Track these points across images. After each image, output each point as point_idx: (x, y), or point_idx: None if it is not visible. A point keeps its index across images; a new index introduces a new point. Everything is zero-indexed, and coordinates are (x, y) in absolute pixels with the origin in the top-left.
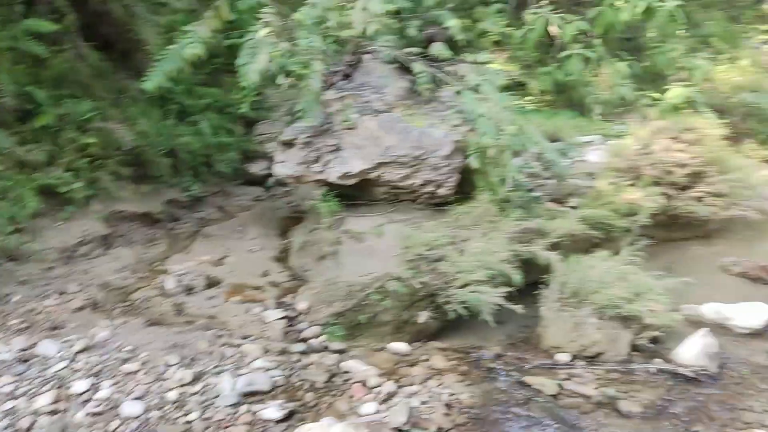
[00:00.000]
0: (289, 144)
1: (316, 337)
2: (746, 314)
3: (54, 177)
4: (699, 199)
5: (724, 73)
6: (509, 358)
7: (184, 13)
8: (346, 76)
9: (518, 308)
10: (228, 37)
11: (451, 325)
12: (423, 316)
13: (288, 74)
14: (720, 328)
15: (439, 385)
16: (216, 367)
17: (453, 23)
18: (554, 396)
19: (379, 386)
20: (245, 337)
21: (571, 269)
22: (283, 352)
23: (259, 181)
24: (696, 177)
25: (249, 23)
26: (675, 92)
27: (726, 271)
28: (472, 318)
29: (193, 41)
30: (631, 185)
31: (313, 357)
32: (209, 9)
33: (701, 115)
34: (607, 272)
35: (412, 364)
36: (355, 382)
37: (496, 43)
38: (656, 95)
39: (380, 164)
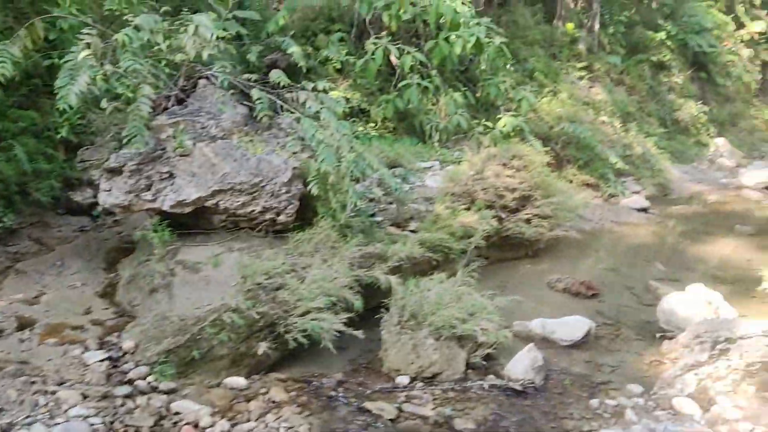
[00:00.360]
0: (116, 171)
1: (144, 377)
2: (568, 327)
3: None
4: (527, 221)
5: (547, 105)
6: (350, 384)
7: None
8: (180, 101)
9: (359, 333)
10: (48, 57)
11: (291, 354)
12: (262, 348)
13: (115, 98)
14: (546, 342)
15: (277, 419)
16: (27, 417)
17: (295, 50)
18: (393, 420)
19: (211, 426)
20: (61, 383)
21: (410, 292)
22: (104, 396)
23: (85, 210)
24: (524, 200)
25: (72, 43)
26: (505, 121)
27: (552, 287)
28: (314, 346)
29: (3, 60)
30: (467, 209)
31: (140, 400)
32: (25, 27)
33: (528, 142)
34: (443, 294)
35: (250, 399)
36: (185, 424)
37: (339, 70)
38: (489, 124)
39: (217, 192)
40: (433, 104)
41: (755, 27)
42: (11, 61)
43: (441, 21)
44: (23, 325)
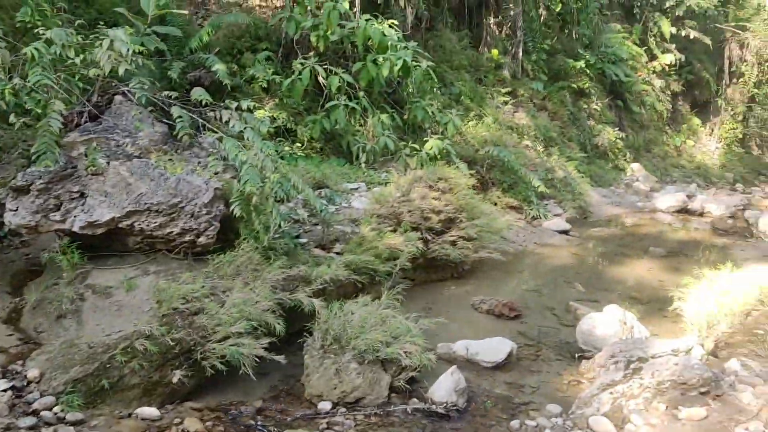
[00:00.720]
0: (23, 190)
1: (50, 408)
2: (491, 349)
3: None
4: (453, 243)
5: (472, 129)
6: (271, 411)
7: None
8: (94, 118)
9: (281, 359)
10: None
11: (209, 382)
12: (176, 376)
13: (24, 113)
14: (469, 364)
15: None
16: None
17: (219, 67)
18: None
19: None
20: None
21: (334, 315)
22: (7, 428)
23: None
24: (450, 222)
25: None
26: (432, 144)
27: (476, 309)
28: (233, 373)
29: None
30: (393, 231)
31: None
32: None
33: (454, 165)
34: (367, 317)
35: (163, 430)
36: None
37: (265, 89)
38: (416, 146)
39: (132, 212)
40: (361, 125)
41: (666, 59)
42: None
43: (369, 43)
44: None
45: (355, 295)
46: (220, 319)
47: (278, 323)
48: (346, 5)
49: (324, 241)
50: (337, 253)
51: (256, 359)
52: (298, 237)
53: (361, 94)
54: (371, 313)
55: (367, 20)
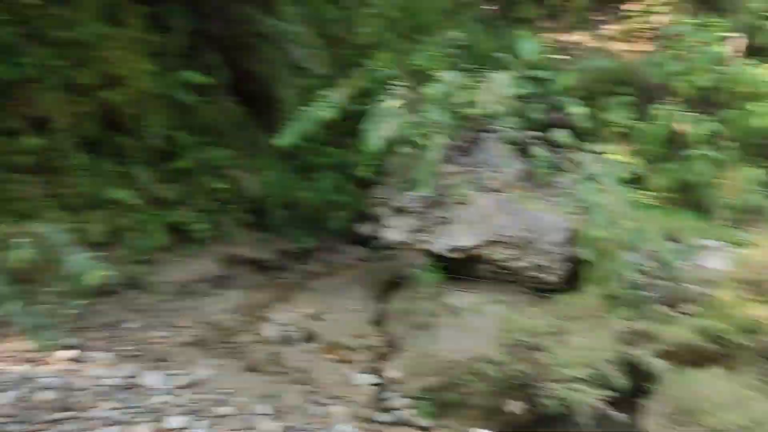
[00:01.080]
0: (400, 210)
1: (403, 409)
2: None
3: (183, 215)
4: None
5: None
6: None
7: (323, 78)
8: (465, 152)
9: (622, 416)
10: (359, 102)
11: (541, 420)
12: (516, 406)
13: (410, 144)
14: None
15: None
16: (306, 423)
17: (578, 110)
18: None
19: None
20: (333, 398)
21: (680, 382)
22: (368, 419)
23: (365, 242)
24: None
25: (378, 91)
26: None
27: None
28: (565, 416)
29: (328, 105)
30: (756, 300)
31: (397, 430)
32: (346, 77)
33: None
34: (721, 392)
35: None
36: None
37: (621, 134)
38: None
39: (489, 242)
40: (723, 178)
41: None
42: (335, 106)
43: (742, 89)
44: (308, 337)
45: (702, 364)
46: (559, 359)
47: (619, 377)
48: (722, 49)
49: (671, 298)
50: (685, 314)
51: (595, 409)
52: (642, 290)
53: (728, 144)
54: (726, 389)
55: (745, 65)
